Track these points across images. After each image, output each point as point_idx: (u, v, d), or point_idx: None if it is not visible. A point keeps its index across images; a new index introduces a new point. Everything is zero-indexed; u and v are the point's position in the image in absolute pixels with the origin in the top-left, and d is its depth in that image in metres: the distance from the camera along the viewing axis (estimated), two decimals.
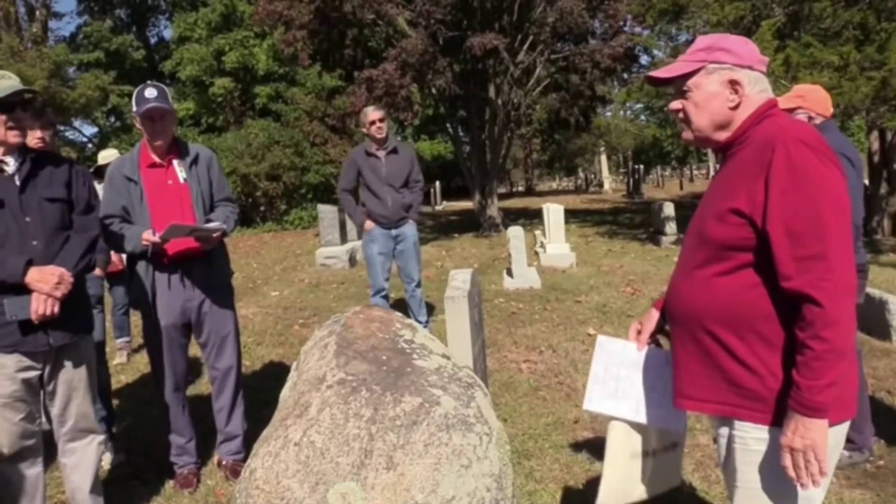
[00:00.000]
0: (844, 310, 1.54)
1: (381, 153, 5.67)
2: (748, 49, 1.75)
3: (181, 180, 3.41)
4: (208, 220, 3.41)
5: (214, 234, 3.33)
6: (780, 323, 1.63)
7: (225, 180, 3.71)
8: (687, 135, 1.83)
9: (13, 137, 2.61)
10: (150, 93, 3.26)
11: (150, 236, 3.21)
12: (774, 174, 1.58)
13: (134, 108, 3.31)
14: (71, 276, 2.64)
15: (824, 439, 1.56)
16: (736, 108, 1.74)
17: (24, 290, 2.55)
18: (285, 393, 2.03)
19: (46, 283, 2.55)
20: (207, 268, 3.46)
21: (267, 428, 1.88)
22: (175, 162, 3.42)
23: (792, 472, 1.59)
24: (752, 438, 1.68)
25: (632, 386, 2.00)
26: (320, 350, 1.96)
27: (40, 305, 2.55)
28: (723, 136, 1.77)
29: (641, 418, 1.98)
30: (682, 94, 1.80)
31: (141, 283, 3.40)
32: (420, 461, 1.67)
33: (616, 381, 2.01)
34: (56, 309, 2.58)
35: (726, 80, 1.73)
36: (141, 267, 3.38)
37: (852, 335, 1.57)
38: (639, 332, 2.05)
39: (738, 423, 1.71)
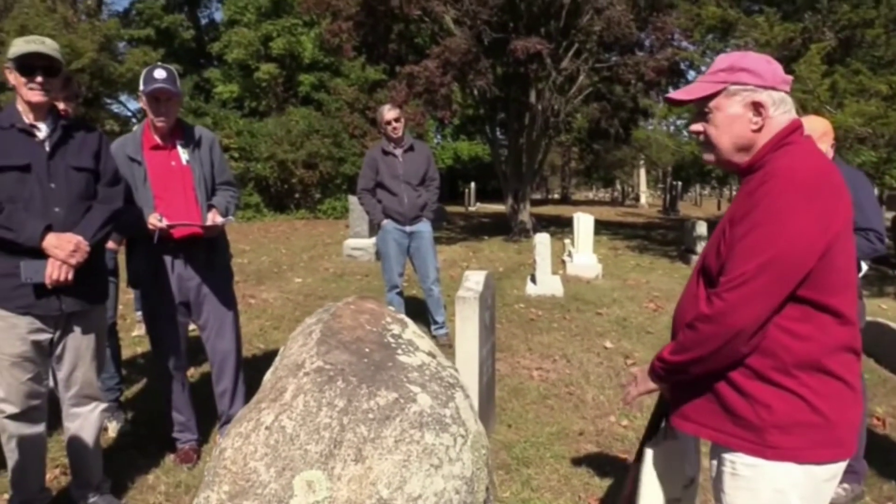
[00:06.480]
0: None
1: (398, 151, 5.72)
2: (771, 69, 1.69)
3: (184, 162, 3.43)
4: (210, 207, 3.45)
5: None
6: (775, 356, 1.61)
7: (226, 163, 3.74)
8: (709, 157, 1.79)
9: (35, 97, 2.66)
10: (160, 74, 3.28)
11: (156, 221, 3.24)
12: (753, 209, 1.58)
13: (141, 87, 3.33)
14: (87, 245, 2.68)
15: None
16: (759, 130, 1.68)
17: (41, 254, 2.60)
18: (267, 376, 2.04)
19: (63, 250, 2.60)
20: (208, 249, 3.50)
21: (242, 409, 1.90)
22: (178, 144, 3.44)
23: None
24: (741, 464, 1.68)
25: None
26: (304, 336, 1.96)
27: (55, 271, 2.60)
28: (744, 158, 1.73)
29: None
30: (703, 116, 1.75)
31: (140, 262, 3.44)
32: (389, 456, 1.66)
33: None
34: (70, 276, 2.64)
35: (749, 102, 1.68)
36: (141, 246, 3.41)
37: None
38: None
39: (730, 451, 1.70)
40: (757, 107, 1.67)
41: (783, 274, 1.54)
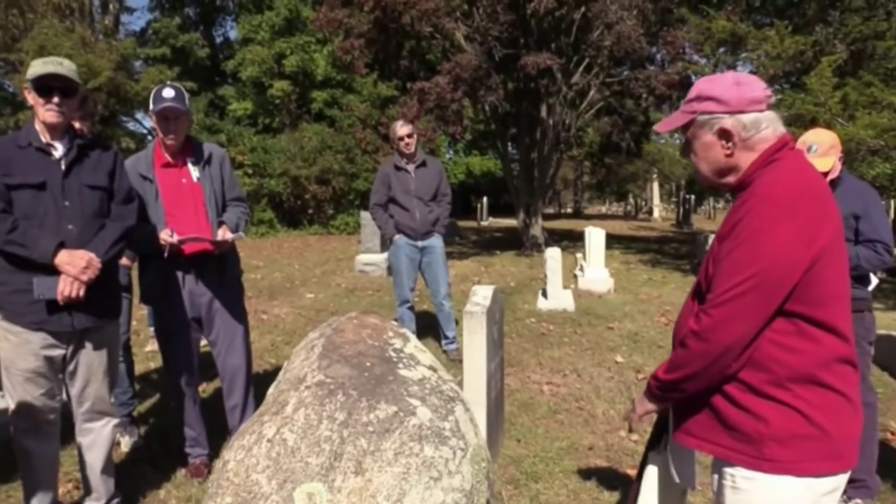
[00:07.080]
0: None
1: (411, 167, 5.76)
2: (738, 92, 1.70)
3: (194, 179, 3.47)
4: (221, 224, 3.48)
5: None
6: (769, 370, 1.62)
7: (236, 179, 3.77)
8: (700, 178, 1.84)
9: (51, 117, 2.72)
10: (168, 93, 3.33)
11: (167, 237, 3.28)
12: (737, 226, 1.60)
13: (151, 106, 3.38)
14: (99, 262, 2.72)
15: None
16: (732, 155, 1.72)
17: (53, 271, 2.64)
18: (270, 390, 2.06)
19: (74, 267, 2.65)
20: (219, 265, 3.52)
21: (245, 422, 1.92)
22: (189, 161, 3.49)
23: None
24: (741, 478, 1.69)
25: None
26: (307, 351, 1.99)
27: (66, 287, 2.64)
28: (730, 179, 1.76)
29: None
30: (688, 143, 1.80)
31: (152, 279, 3.47)
32: (389, 469, 1.68)
33: None
34: (81, 292, 2.68)
35: (717, 131, 1.72)
36: (153, 262, 3.44)
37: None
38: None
39: (730, 465, 1.71)
40: (725, 134, 1.70)
41: (767, 289, 1.55)
